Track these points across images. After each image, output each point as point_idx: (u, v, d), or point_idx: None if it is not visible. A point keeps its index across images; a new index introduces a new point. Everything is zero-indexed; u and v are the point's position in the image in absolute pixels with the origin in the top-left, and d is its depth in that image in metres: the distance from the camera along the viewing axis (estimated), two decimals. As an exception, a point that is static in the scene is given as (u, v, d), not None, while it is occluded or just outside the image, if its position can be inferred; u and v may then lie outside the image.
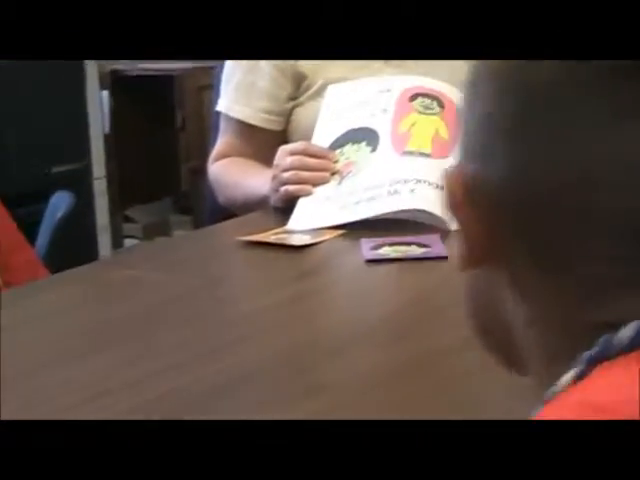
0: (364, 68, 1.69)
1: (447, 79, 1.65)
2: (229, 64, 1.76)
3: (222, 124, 1.78)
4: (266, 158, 1.64)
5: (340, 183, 1.50)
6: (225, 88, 1.76)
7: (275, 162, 1.52)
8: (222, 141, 1.77)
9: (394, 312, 1.17)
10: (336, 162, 1.52)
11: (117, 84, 3.78)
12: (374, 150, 1.51)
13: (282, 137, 1.73)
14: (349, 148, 1.54)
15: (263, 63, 1.71)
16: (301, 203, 1.50)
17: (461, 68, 1.64)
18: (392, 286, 1.26)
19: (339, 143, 1.55)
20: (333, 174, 1.51)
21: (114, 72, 3.78)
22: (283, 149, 1.53)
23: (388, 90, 1.58)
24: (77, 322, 1.14)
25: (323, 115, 1.61)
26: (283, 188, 1.50)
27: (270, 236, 1.41)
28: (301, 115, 1.71)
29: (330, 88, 1.63)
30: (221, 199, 1.74)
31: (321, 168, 1.50)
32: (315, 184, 1.49)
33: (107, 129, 3.62)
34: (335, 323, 1.13)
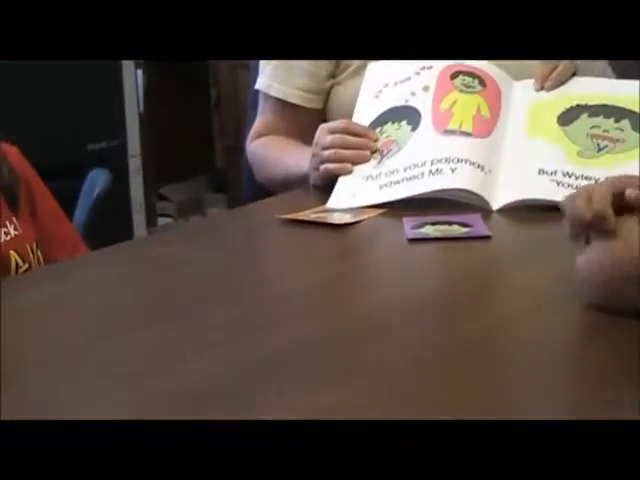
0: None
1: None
2: None
3: (261, 103, 1.77)
4: (306, 137, 1.63)
5: (380, 162, 1.48)
6: (264, 67, 1.75)
7: (315, 140, 1.51)
8: (261, 120, 1.76)
9: (441, 291, 1.15)
10: (376, 140, 1.50)
11: (151, 63, 3.77)
12: (415, 129, 1.50)
13: (322, 116, 1.72)
14: (390, 127, 1.52)
15: None
16: (341, 182, 1.49)
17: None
18: (436, 265, 1.25)
19: (380, 121, 1.54)
20: (373, 152, 1.50)
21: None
22: (323, 127, 1.52)
23: (430, 67, 1.57)
24: (120, 299, 1.13)
25: (363, 93, 1.59)
26: (323, 166, 1.49)
27: (310, 214, 1.40)
28: (340, 94, 1.70)
29: (370, 66, 1.62)
30: (260, 177, 1.73)
31: (362, 146, 1.49)
32: (355, 163, 1.48)
33: (142, 108, 3.63)
34: (381, 302, 1.11)
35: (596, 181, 1.38)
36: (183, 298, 1.12)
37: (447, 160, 1.43)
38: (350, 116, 1.60)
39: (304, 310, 1.09)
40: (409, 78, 1.57)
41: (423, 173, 1.43)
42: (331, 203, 1.46)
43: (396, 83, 1.57)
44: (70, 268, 1.30)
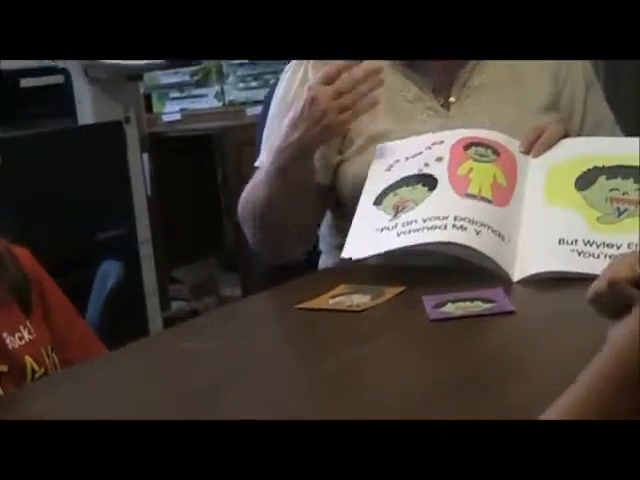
0: (409, 121, 1.66)
1: (495, 126, 1.62)
2: (269, 120, 1.74)
3: None
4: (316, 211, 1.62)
5: (396, 216, 1.46)
6: (265, 144, 1.73)
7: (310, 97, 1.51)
8: None
9: (470, 371, 1.12)
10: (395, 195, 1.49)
11: (156, 146, 3.78)
12: (432, 189, 1.48)
13: (330, 191, 1.70)
14: (404, 190, 1.50)
15: None
16: (353, 231, 1.47)
17: (506, 118, 1.64)
18: (462, 344, 1.21)
19: (393, 188, 1.51)
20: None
21: (153, 134, 3.79)
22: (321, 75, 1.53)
23: (441, 142, 1.55)
24: (143, 397, 1.10)
25: (374, 168, 1.57)
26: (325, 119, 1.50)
27: (328, 299, 1.37)
28: (348, 170, 1.68)
29: (378, 147, 1.60)
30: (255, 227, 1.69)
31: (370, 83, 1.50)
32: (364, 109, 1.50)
33: (149, 192, 3.62)
34: (411, 385, 1.08)
35: (618, 248, 1.36)
36: (206, 395, 1.09)
37: (471, 221, 1.40)
38: (360, 191, 1.58)
39: (336, 396, 1.06)
40: (421, 153, 1.55)
41: (446, 225, 1.40)
42: (345, 253, 1.43)
43: (407, 158, 1.56)
44: (87, 369, 1.28)
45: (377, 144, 1.64)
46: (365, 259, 1.44)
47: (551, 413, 0.74)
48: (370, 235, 1.45)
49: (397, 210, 1.47)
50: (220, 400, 1.07)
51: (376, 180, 1.55)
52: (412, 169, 1.53)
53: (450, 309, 1.27)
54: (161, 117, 3.89)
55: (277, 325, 1.41)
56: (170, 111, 3.89)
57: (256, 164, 1.74)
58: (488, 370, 1.10)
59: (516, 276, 1.37)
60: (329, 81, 1.51)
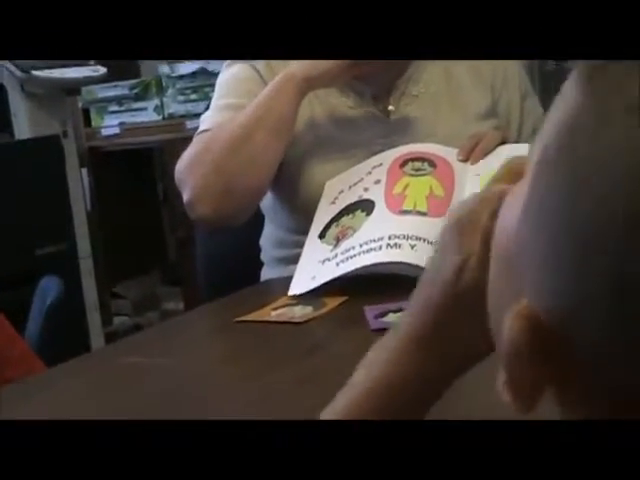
0: (351, 126, 1.67)
1: (434, 135, 1.64)
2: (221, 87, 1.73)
3: None
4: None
5: (337, 246, 1.47)
6: (213, 110, 1.71)
7: None
8: None
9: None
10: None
11: (95, 160, 3.76)
12: (369, 214, 1.49)
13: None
14: (344, 219, 1.51)
15: None
16: (299, 269, 1.47)
17: (445, 126, 1.65)
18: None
19: (335, 219, 1.52)
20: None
21: (92, 149, 3.76)
22: None
23: (380, 164, 1.56)
24: (86, 415, 1.09)
25: (320, 206, 1.58)
26: None
27: (270, 312, 1.37)
28: (289, 173, 1.67)
29: (327, 184, 1.60)
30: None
31: None
32: None
33: (89, 206, 3.60)
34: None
35: None
36: (149, 411, 1.08)
37: (405, 237, 1.41)
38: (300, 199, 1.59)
39: (280, 410, 1.05)
40: (362, 179, 1.56)
41: (381, 246, 1.41)
42: (292, 290, 1.43)
43: (350, 187, 1.56)
44: (28, 387, 1.26)
45: (317, 150, 1.65)
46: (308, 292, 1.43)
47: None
48: (313, 269, 1.45)
49: (338, 240, 1.48)
50: (163, 416, 1.06)
51: (322, 214, 1.56)
52: (354, 197, 1.54)
53: (392, 319, 1.27)
54: (100, 131, 3.86)
55: (220, 338, 1.40)
56: (109, 125, 3.86)
57: (204, 128, 1.66)
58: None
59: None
60: None
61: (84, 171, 3.56)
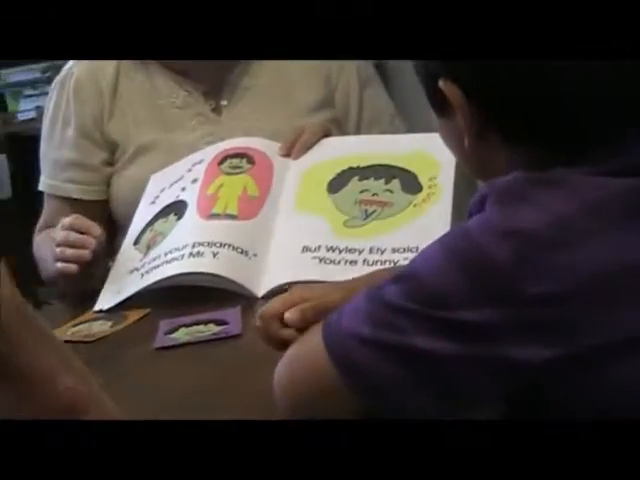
0: (177, 129, 1.62)
1: (265, 129, 1.59)
2: (42, 140, 1.69)
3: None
4: None
5: (146, 254, 1.42)
6: (42, 164, 1.68)
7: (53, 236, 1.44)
8: (43, 216, 1.68)
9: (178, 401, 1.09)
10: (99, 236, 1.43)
11: (14, 146, 3.69)
12: (180, 218, 1.44)
13: (105, 205, 1.65)
14: (158, 223, 1.46)
15: (70, 134, 1.63)
16: (109, 281, 1.42)
17: (276, 120, 1.60)
18: (179, 373, 1.17)
19: (151, 222, 1.47)
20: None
21: (9, 134, 3.69)
22: (61, 222, 1.45)
23: (201, 161, 1.51)
24: None
25: (141, 204, 1.53)
26: (57, 265, 1.42)
27: (70, 328, 1.33)
28: (117, 183, 1.63)
29: (152, 177, 1.55)
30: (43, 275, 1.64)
31: (81, 245, 1.40)
32: (76, 262, 1.40)
33: (9, 193, 3.54)
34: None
35: (360, 253, 1.33)
36: None
37: (209, 244, 1.36)
38: (131, 205, 1.54)
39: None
40: (182, 177, 1.51)
41: (183, 255, 1.36)
42: (98, 305, 1.39)
43: (171, 185, 1.51)
44: None
45: (144, 156, 1.60)
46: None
47: None
48: (122, 280, 1.41)
49: (148, 247, 1.42)
50: None
51: (141, 216, 1.51)
52: (171, 197, 1.49)
53: (179, 335, 1.23)
54: (17, 116, 3.79)
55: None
56: (25, 109, 3.79)
57: (41, 188, 1.68)
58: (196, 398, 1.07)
59: (262, 291, 1.33)
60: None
61: (3, 157, 3.50)
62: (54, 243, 1.43)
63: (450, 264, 0.79)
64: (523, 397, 0.81)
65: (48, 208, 1.67)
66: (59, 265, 1.40)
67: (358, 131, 1.68)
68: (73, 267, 1.39)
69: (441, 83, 0.85)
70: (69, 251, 1.40)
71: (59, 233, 1.42)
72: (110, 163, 1.64)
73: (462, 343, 0.79)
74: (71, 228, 1.42)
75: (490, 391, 0.82)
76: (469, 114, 0.84)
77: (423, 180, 1.38)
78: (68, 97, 1.64)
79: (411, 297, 0.81)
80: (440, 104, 0.88)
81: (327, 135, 1.53)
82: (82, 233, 1.41)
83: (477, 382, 0.81)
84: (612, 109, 0.83)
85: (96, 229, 1.42)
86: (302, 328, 0.93)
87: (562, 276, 0.77)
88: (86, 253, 1.39)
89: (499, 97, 0.83)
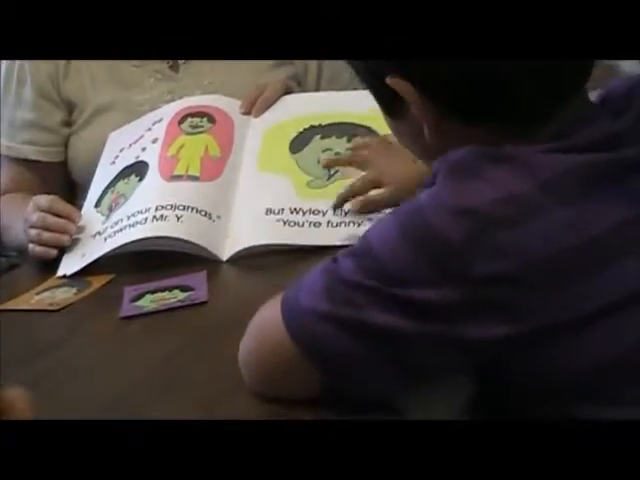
0: (134, 87, 1.59)
1: (224, 86, 1.57)
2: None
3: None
4: (52, 190, 1.53)
5: (108, 217, 1.40)
6: None
7: (25, 215, 1.42)
8: (2, 178, 1.66)
9: (149, 372, 1.08)
10: (79, 221, 1.40)
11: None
12: (142, 179, 1.42)
13: (64, 167, 1.63)
14: (120, 184, 1.44)
15: (27, 94, 1.60)
16: (72, 243, 1.40)
17: (235, 76, 1.58)
18: (146, 342, 1.17)
19: (112, 184, 1.45)
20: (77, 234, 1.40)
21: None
22: (34, 201, 1.42)
23: (160, 120, 1.49)
24: None
25: (101, 164, 1.50)
26: (30, 246, 1.40)
27: (33, 296, 1.31)
28: (76, 144, 1.61)
29: (110, 136, 1.53)
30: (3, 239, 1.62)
31: (61, 229, 1.38)
32: (55, 246, 1.38)
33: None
34: (81, 395, 1.04)
35: (324, 214, 1.32)
36: None
37: (172, 207, 1.34)
38: (91, 166, 1.52)
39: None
40: (142, 136, 1.48)
41: (146, 219, 1.34)
42: (61, 270, 1.37)
43: (130, 145, 1.49)
44: None
45: (102, 116, 1.58)
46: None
47: None
48: (85, 244, 1.38)
49: (110, 210, 1.40)
50: None
51: (100, 178, 1.48)
52: (131, 157, 1.46)
53: (145, 302, 1.22)
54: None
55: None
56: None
57: None
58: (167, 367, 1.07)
59: (226, 254, 1.32)
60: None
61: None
62: (27, 223, 1.40)
63: (403, 241, 0.79)
64: (486, 370, 0.82)
65: (5, 170, 1.64)
66: (37, 249, 1.38)
67: (318, 87, 1.66)
68: (53, 252, 1.37)
69: (389, 80, 0.84)
70: (46, 234, 1.37)
71: (34, 214, 1.39)
72: (68, 123, 1.62)
73: (418, 320, 0.79)
74: (49, 211, 1.39)
75: (449, 366, 0.82)
76: (424, 106, 0.83)
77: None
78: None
79: (366, 273, 0.81)
80: (390, 103, 0.87)
81: (288, 92, 1.51)
82: (59, 216, 1.39)
83: (435, 358, 0.81)
84: (559, 87, 0.83)
85: (76, 214, 1.40)
86: None
87: (514, 255, 0.77)
88: (66, 239, 1.38)
89: (450, 82, 0.82)
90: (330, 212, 1.31)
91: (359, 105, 1.44)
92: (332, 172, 1.37)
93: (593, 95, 0.90)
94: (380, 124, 1.39)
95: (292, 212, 1.33)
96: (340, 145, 1.40)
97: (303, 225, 1.30)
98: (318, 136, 1.42)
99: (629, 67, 2.05)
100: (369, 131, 1.40)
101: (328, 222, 1.30)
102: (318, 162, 1.38)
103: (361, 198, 1.27)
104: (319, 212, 1.32)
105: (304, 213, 1.32)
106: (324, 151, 1.40)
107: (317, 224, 1.30)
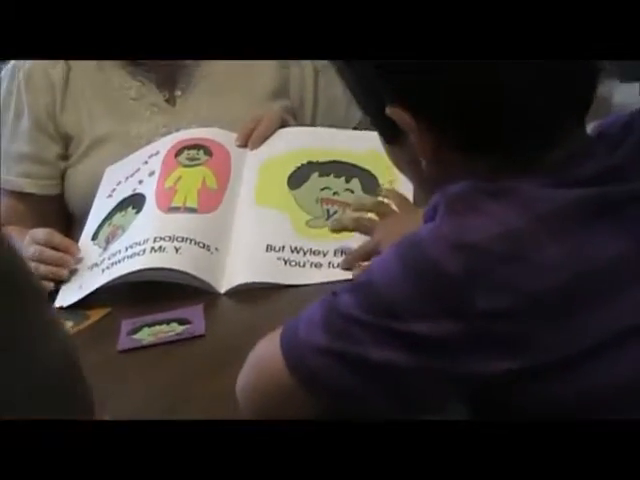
0: (131, 120, 1.60)
1: (220, 119, 1.57)
2: None
3: None
4: (48, 223, 1.53)
5: (106, 249, 1.40)
6: None
7: (23, 247, 1.42)
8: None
9: (146, 405, 1.08)
10: (77, 254, 1.40)
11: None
12: (139, 211, 1.42)
13: (60, 200, 1.63)
14: (117, 217, 1.44)
15: (24, 126, 1.61)
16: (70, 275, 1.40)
17: (232, 108, 1.59)
18: (143, 375, 1.17)
19: (109, 216, 1.45)
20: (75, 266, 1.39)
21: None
22: (30, 234, 1.42)
23: (157, 153, 1.49)
24: None
25: (98, 197, 1.50)
26: None
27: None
28: (73, 177, 1.62)
29: (107, 170, 1.53)
30: None
31: (58, 263, 1.38)
32: (52, 280, 1.38)
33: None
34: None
35: (324, 255, 1.32)
36: None
37: (171, 238, 1.34)
38: (88, 199, 1.52)
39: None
40: (138, 169, 1.49)
41: (144, 250, 1.33)
42: (59, 301, 1.36)
43: (127, 178, 1.49)
44: None
45: (99, 149, 1.59)
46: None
47: None
48: (82, 276, 1.38)
49: (108, 242, 1.40)
50: None
51: (98, 210, 1.48)
52: (128, 190, 1.46)
53: (142, 335, 1.22)
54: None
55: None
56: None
57: None
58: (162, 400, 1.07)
59: (224, 287, 1.32)
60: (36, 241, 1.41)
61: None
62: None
63: (404, 275, 0.79)
64: (484, 402, 0.82)
65: (1, 203, 1.64)
66: None
67: (314, 119, 1.67)
68: (50, 285, 1.36)
69: (389, 110, 0.84)
70: (43, 268, 1.37)
71: (30, 247, 1.39)
72: (65, 157, 1.62)
73: (416, 354, 0.79)
74: (45, 244, 1.39)
75: (447, 399, 0.83)
76: (422, 136, 0.84)
77: (383, 182, 1.38)
78: (19, 88, 1.61)
79: (365, 307, 0.81)
80: (390, 131, 0.87)
81: (284, 125, 1.52)
82: (56, 249, 1.39)
83: (433, 391, 0.82)
84: (558, 120, 0.84)
85: (74, 247, 1.40)
86: None
87: (513, 289, 0.77)
88: (64, 273, 1.37)
89: (449, 114, 0.83)
90: (331, 253, 1.32)
91: (355, 145, 1.45)
92: (331, 212, 1.37)
93: (589, 128, 0.91)
94: (376, 167, 1.41)
95: (293, 251, 1.33)
96: (338, 185, 1.40)
97: (304, 265, 1.31)
98: (316, 173, 1.42)
99: (621, 98, 2.07)
100: (366, 173, 1.41)
101: (329, 263, 1.31)
102: (317, 201, 1.39)
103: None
104: (320, 252, 1.32)
105: (305, 253, 1.32)
106: (322, 190, 1.40)
107: (318, 265, 1.31)
